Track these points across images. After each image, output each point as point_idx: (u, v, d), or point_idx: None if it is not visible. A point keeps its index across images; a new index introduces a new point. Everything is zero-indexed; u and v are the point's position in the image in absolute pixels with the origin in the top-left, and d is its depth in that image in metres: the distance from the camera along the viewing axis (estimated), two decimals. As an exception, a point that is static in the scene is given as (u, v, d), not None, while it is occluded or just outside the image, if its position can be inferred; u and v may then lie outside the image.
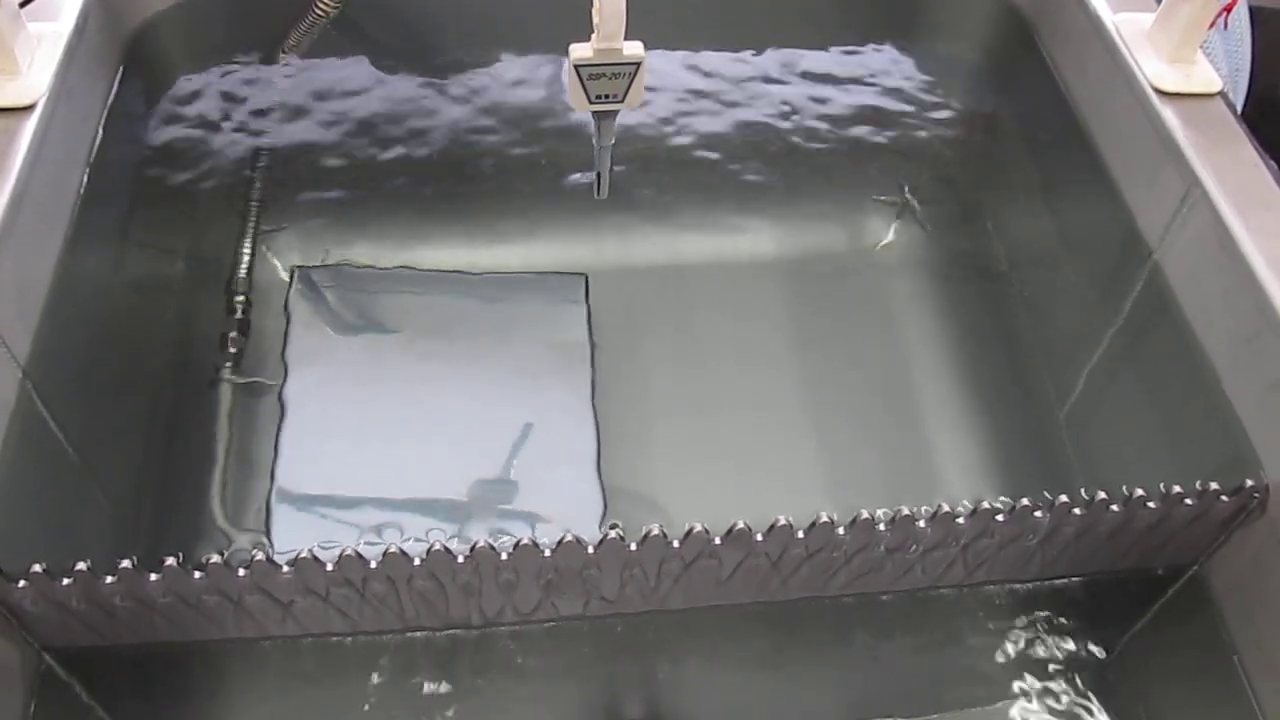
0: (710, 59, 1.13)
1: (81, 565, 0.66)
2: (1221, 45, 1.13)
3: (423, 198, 1.11)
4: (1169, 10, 0.87)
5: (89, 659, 0.75)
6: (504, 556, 0.69)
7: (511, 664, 0.80)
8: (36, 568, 0.65)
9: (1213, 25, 0.88)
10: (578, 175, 1.13)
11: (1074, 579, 0.84)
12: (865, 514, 0.70)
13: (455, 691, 0.79)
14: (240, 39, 1.05)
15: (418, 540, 0.87)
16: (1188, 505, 0.73)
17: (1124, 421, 0.90)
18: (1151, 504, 0.72)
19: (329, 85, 1.08)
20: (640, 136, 1.13)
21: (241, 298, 1.03)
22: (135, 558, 0.66)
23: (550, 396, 0.98)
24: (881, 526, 0.71)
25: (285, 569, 0.68)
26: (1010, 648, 0.84)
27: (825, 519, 0.69)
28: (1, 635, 0.70)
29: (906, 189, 1.17)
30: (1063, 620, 0.85)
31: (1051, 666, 0.84)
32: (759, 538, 0.70)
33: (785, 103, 1.14)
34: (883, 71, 1.14)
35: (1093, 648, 0.84)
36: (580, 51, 0.70)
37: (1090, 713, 0.82)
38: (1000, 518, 0.72)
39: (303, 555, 0.67)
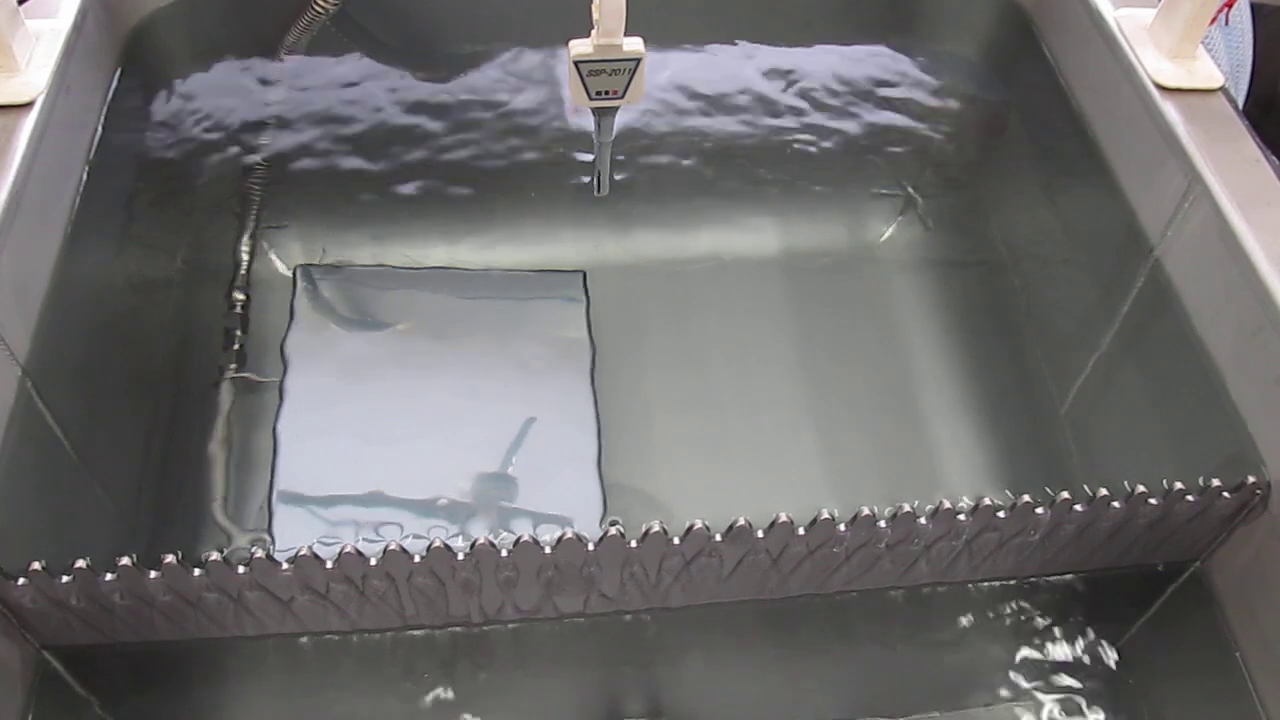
0: (711, 56, 1.13)
1: (81, 563, 0.66)
2: (1223, 41, 1.13)
3: (422, 195, 1.11)
4: (1170, 6, 0.87)
5: (89, 657, 0.75)
6: (504, 553, 0.69)
7: (512, 661, 0.80)
8: (36, 565, 0.65)
9: (1214, 21, 0.88)
10: (578, 172, 1.13)
11: (1075, 576, 0.84)
12: (866, 510, 0.70)
13: (456, 689, 0.79)
14: (239, 36, 1.05)
15: (417, 537, 0.87)
16: (1189, 502, 0.73)
17: (1125, 418, 0.90)
18: (1153, 500, 0.72)
19: (328, 82, 1.08)
20: (641, 133, 1.13)
21: (241, 296, 1.03)
22: (135, 555, 0.66)
23: (550, 393, 0.98)
24: (882, 523, 0.71)
25: (285, 566, 0.68)
26: (1011, 645, 0.84)
27: (826, 515, 0.69)
28: (1, 633, 0.70)
29: (907, 185, 1.17)
30: (1064, 617, 0.85)
31: (1053, 663, 0.83)
32: (760, 534, 0.70)
33: (786, 99, 1.14)
34: (884, 67, 1.13)
35: (1094, 645, 0.84)
36: (580, 47, 0.70)
37: (1092, 710, 0.82)
38: (1001, 514, 0.72)
39: (302, 552, 0.67)
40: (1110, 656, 0.84)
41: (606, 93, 0.73)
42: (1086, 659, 0.84)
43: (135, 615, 0.71)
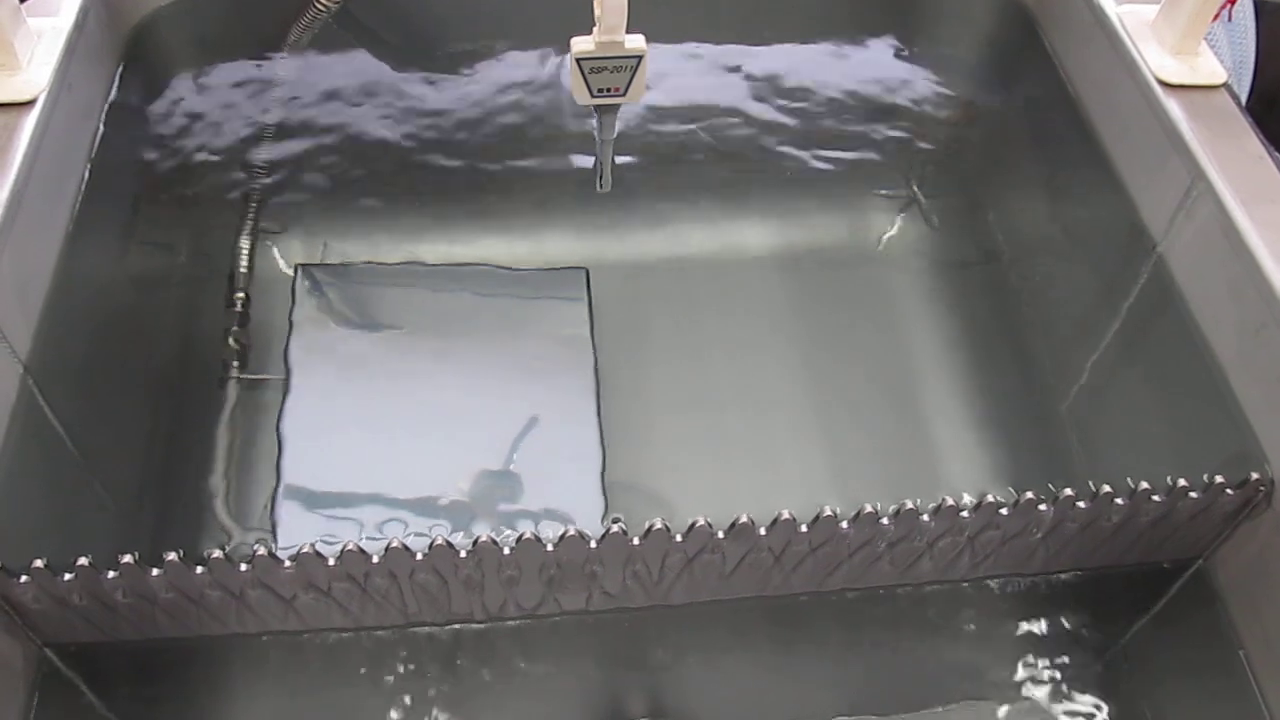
0: (713, 53, 1.12)
1: (83, 560, 0.66)
2: (1226, 37, 1.13)
3: (424, 193, 1.11)
4: (1173, 2, 0.87)
5: (90, 654, 0.75)
6: (506, 551, 0.69)
7: (514, 659, 0.80)
8: (38, 563, 0.65)
9: (1216, 17, 0.87)
10: (580, 168, 1.12)
11: (1078, 573, 0.84)
12: (869, 507, 0.70)
13: (458, 687, 0.79)
14: (241, 34, 1.05)
15: (419, 535, 0.87)
16: (1192, 499, 0.73)
17: (1128, 415, 0.90)
18: (1156, 497, 0.72)
19: (330, 80, 1.08)
20: (642, 130, 1.13)
21: (243, 294, 1.03)
22: (137, 553, 0.66)
23: (552, 391, 0.98)
24: (885, 520, 0.71)
25: (287, 564, 0.68)
26: (1014, 642, 0.84)
27: (829, 513, 0.69)
28: (3, 631, 0.70)
29: (910, 182, 1.16)
30: (1067, 614, 0.85)
31: (1055, 661, 0.83)
32: (762, 531, 0.70)
33: (788, 96, 1.13)
34: (886, 64, 1.13)
35: (1098, 641, 0.84)
36: (582, 45, 0.70)
37: (1095, 707, 0.82)
38: (1004, 511, 0.72)
39: (305, 550, 0.67)
40: (1113, 653, 0.84)
41: (608, 90, 0.73)
42: (1089, 656, 0.84)
43: (137, 613, 0.71)
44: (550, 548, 0.69)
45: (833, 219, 1.17)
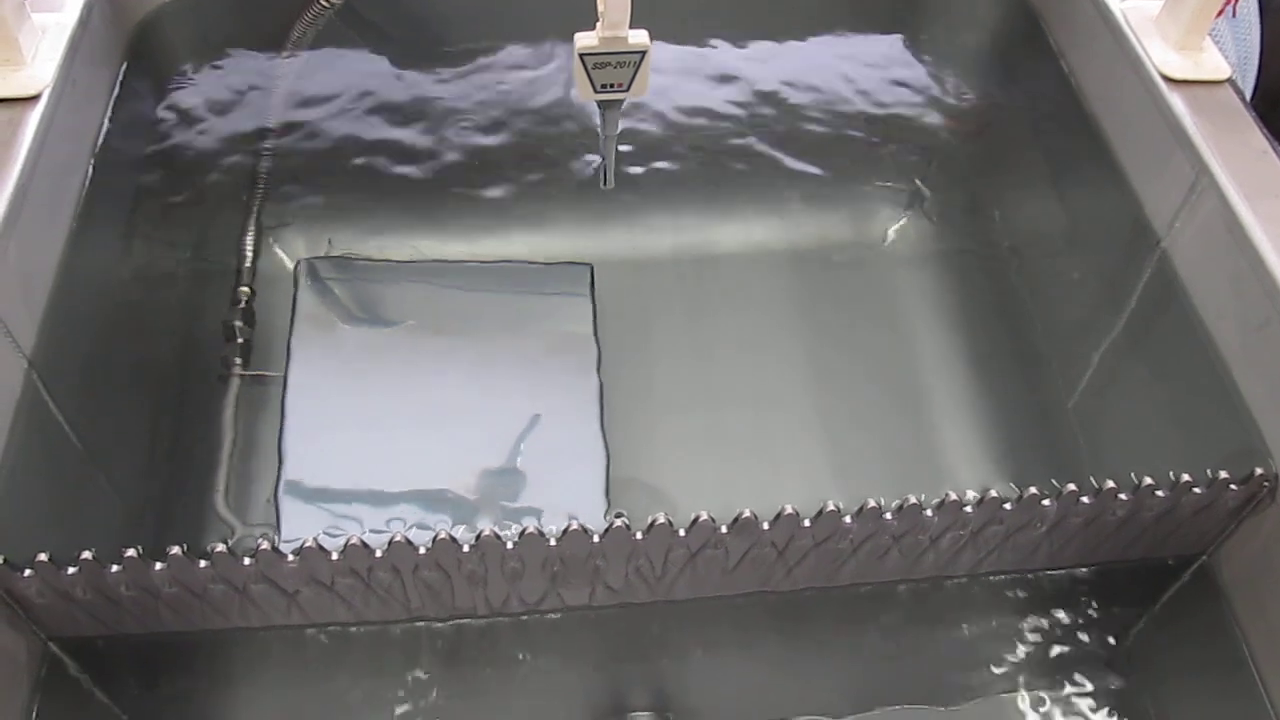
0: (715, 50, 1.12)
1: (87, 554, 0.66)
2: (1230, 33, 1.12)
3: (428, 188, 1.11)
4: (1177, -3, 0.87)
5: (94, 648, 0.75)
6: (510, 546, 0.69)
7: (517, 654, 0.80)
8: (42, 557, 0.65)
9: (1220, 13, 0.87)
10: (583, 165, 1.12)
11: (1082, 569, 0.84)
12: (872, 503, 0.70)
13: (461, 682, 0.79)
14: (245, 30, 1.05)
15: (422, 528, 0.87)
16: (1197, 494, 0.73)
17: (1132, 410, 0.90)
18: (1160, 493, 0.72)
19: (334, 76, 1.08)
20: (646, 127, 1.13)
21: (246, 289, 1.03)
22: (140, 547, 0.66)
23: (555, 387, 0.98)
24: (889, 515, 0.71)
25: (291, 558, 0.68)
26: (1018, 638, 0.84)
27: (832, 508, 0.69)
28: (7, 624, 0.70)
29: (914, 179, 1.16)
30: (1071, 610, 0.85)
31: (1059, 656, 0.83)
32: (765, 526, 0.70)
33: (792, 92, 1.13)
34: (890, 61, 1.13)
35: (1101, 637, 0.84)
36: (585, 40, 0.70)
37: (1098, 702, 0.82)
38: (1008, 506, 0.72)
39: (308, 544, 0.67)
40: (1117, 649, 0.84)
41: (612, 85, 0.73)
42: (1093, 652, 0.84)
43: (141, 607, 0.71)
44: (553, 542, 0.69)
45: (837, 216, 1.17)
